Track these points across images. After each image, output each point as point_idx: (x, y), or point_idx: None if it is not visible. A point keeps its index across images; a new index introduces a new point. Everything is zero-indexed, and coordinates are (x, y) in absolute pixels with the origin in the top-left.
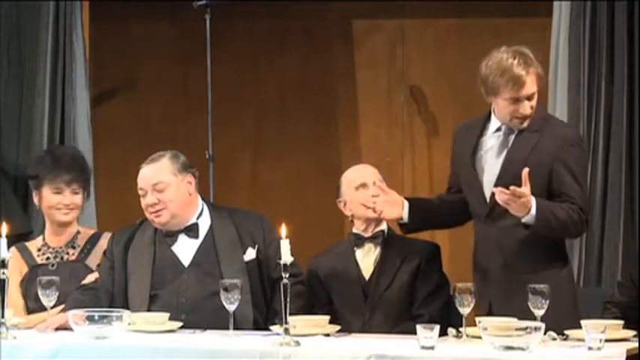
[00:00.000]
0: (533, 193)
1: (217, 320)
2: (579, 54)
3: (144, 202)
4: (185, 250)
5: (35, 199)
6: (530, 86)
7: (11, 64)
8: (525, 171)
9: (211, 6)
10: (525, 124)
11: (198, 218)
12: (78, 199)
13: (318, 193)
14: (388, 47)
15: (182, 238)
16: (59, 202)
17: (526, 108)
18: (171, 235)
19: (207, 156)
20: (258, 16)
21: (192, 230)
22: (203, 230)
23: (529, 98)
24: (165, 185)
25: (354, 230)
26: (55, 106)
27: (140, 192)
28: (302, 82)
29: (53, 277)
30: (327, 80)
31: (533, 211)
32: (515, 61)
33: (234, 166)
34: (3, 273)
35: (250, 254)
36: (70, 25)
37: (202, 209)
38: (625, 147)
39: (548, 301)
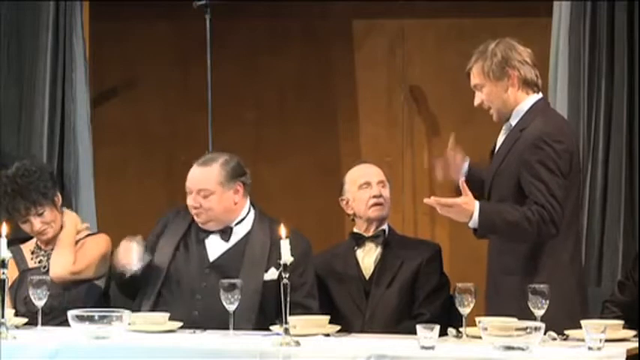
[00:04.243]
0: (503, 196)
1: (225, 325)
2: (579, 54)
3: (187, 200)
4: (215, 245)
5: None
6: (474, 78)
7: (11, 63)
8: (461, 181)
9: (211, 6)
10: (495, 118)
11: (237, 224)
12: (47, 216)
13: (317, 193)
14: (388, 47)
15: (214, 235)
16: (31, 230)
17: (476, 98)
18: (205, 230)
19: None
20: (258, 16)
21: (225, 233)
22: (237, 236)
23: (479, 89)
24: (209, 193)
25: (355, 230)
26: (55, 106)
27: (186, 189)
28: (302, 82)
29: (44, 277)
30: (327, 80)
31: (476, 215)
32: (475, 54)
33: None
34: (3, 273)
35: (272, 274)
36: (70, 25)
37: (246, 217)
38: (625, 147)
39: (548, 301)
